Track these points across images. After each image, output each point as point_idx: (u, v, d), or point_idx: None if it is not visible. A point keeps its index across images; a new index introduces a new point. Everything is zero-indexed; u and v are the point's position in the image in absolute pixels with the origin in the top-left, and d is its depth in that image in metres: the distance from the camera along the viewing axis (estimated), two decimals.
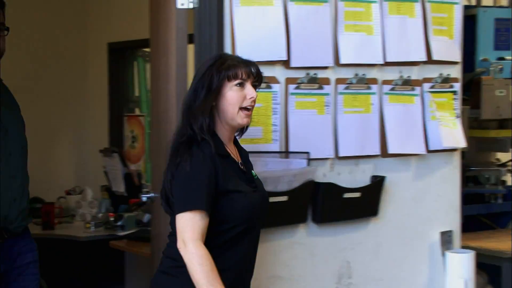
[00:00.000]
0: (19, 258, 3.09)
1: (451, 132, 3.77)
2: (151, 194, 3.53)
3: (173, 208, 2.69)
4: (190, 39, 3.35)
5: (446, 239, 3.83)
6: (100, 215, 5.24)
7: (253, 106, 2.72)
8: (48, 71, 6.32)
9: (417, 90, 3.69)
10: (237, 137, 2.90)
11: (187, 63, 3.40)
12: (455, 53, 3.79)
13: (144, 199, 3.73)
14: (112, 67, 6.47)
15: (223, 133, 2.74)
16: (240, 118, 2.69)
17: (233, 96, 2.66)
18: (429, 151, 3.72)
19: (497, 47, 4.57)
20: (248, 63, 2.71)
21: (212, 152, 2.64)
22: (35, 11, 6.31)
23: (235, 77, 2.65)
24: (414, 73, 3.69)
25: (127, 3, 5.49)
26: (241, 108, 2.68)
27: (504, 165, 4.92)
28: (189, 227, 2.57)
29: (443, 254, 3.79)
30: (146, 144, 5.58)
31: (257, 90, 2.73)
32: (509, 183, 4.92)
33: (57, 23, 6.46)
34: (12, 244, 3.04)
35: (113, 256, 4.93)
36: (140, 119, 5.63)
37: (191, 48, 3.37)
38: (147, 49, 4.62)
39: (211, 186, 2.60)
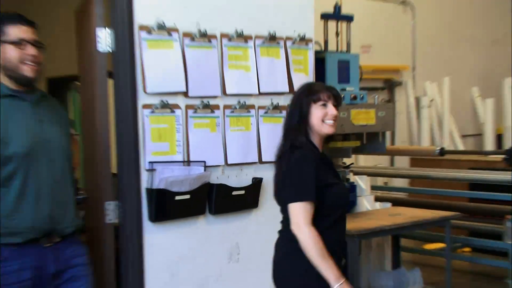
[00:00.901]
0: (72, 261, 2.81)
1: None
2: (84, 196, 3.45)
3: (284, 201, 2.77)
4: (110, 75, 3.30)
5: None
6: None
7: (334, 120, 2.73)
8: None
9: (284, 113, 3.73)
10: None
11: (108, 94, 3.33)
12: None
13: (79, 199, 3.66)
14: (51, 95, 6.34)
15: (316, 140, 2.77)
16: (325, 129, 2.72)
17: (318, 114, 2.69)
18: None
19: (340, 81, 4.70)
20: (329, 89, 2.78)
21: (312, 154, 2.71)
22: None
23: (318, 100, 2.69)
24: (281, 100, 3.74)
25: (61, 45, 5.33)
26: (324, 123, 2.71)
27: (348, 167, 5.05)
28: (302, 214, 2.62)
29: None
30: (80, 156, 5.47)
31: (338, 108, 2.78)
32: (351, 180, 5.05)
33: None
34: (65, 247, 2.77)
35: None
36: (75, 137, 5.57)
37: (110, 82, 3.31)
38: (78, 83, 4.51)
39: (315, 180, 2.63)
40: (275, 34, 3.72)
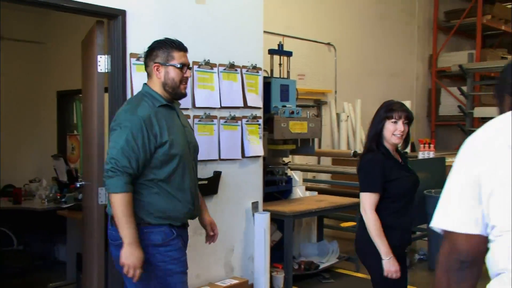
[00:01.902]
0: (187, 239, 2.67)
1: (257, 147, 3.78)
2: (83, 182, 3.32)
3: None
4: (106, 90, 3.19)
5: (254, 206, 3.81)
6: (51, 195, 4.93)
7: (402, 135, 2.67)
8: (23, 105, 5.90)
9: (239, 122, 3.67)
10: (400, 149, 2.83)
11: (104, 104, 3.21)
12: (259, 102, 3.80)
13: (78, 185, 3.55)
14: (60, 105, 6.21)
15: (389, 146, 2.70)
16: (394, 139, 2.66)
17: (389, 128, 2.65)
18: (244, 157, 3.70)
19: (281, 100, 4.66)
20: (404, 109, 2.69)
21: (381, 157, 2.68)
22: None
23: (391, 118, 2.65)
24: (237, 113, 3.67)
25: (69, 66, 5.21)
26: (393, 135, 2.65)
27: (286, 164, 5.00)
28: (368, 202, 2.64)
29: (253, 215, 3.78)
30: (81, 152, 5.37)
31: (409, 125, 2.71)
32: (289, 174, 5.00)
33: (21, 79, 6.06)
34: (187, 230, 2.64)
35: (59, 221, 4.68)
36: (77, 137, 5.52)
37: (106, 95, 3.19)
38: (81, 95, 4.37)
39: (381, 177, 2.64)
40: (234, 63, 3.64)
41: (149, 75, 2.46)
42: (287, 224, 4.40)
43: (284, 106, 4.69)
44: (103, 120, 3.19)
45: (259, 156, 3.83)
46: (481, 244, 1.38)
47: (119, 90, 3.10)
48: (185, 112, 3.35)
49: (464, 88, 9.39)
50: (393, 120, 2.65)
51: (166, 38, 2.48)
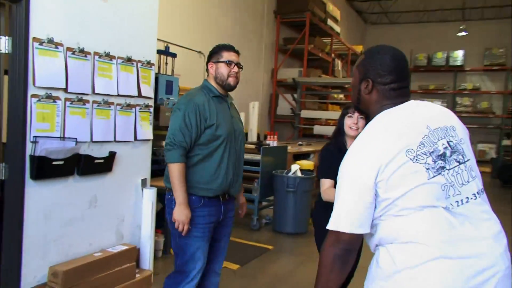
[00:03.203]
0: (228, 213, 2.48)
1: (147, 131, 3.36)
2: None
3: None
4: (6, 72, 2.53)
5: (143, 182, 3.40)
6: None
7: (357, 128, 2.41)
8: None
9: (133, 109, 3.21)
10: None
11: (2, 89, 2.57)
12: (151, 93, 3.38)
13: None
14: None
15: (349, 141, 2.46)
16: (350, 132, 2.44)
17: (347, 123, 2.45)
18: (136, 140, 3.27)
19: (166, 93, 4.29)
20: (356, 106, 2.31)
21: (335, 147, 2.47)
22: None
23: (347, 113, 2.46)
24: (132, 101, 3.20)
25: None
26: (350, 128, 2.44)
27: None
28: (323, 186, 2.43)
29: (142, 190, 3.37)
30: None
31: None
32: None
33: None
34: (227, 203, 2.44)
35: None
36: None
37: (6, 78, 2.54)
38: None
39: (332, 165, 2.21)
40: (131, 57, 3.17)
41: (208, 73, 2.44)
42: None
43: (168, 99, 4.33)
44: (1, 100, 2.54)
45: (148, 140, 3.41)
46: (362, 235, 1.30)
47: (20, 72, 2.46)
48: (85, 97, 2.85)
49: (295, 95, 9.82)
50: (349, 114, 2.46)
51: (220, 43, 2.45)
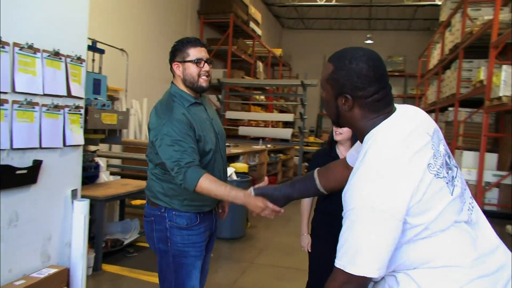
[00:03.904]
0: (215, 223, 2.19)
1: (78, 136, 2.91)
2: None
3: None
4: None
5: (74, 194, 2.94)
6: None
7: (341, 133, 2.30)
8: None
9: (62, 111, 2.74)
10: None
11: None
12: (82, 93, 2.93)
13: None
14: None
15: (341, 148, 2.33)
16: (337, 137, 2.31)
17: (334, 130, 2.33)
18: (65, 146, 2.80)
19: (94, 93, 3.81)
20: None
21: (323, 152, 2.41)
22: None
23: None
24: (60, 101, 2.73)
25: None
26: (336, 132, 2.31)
27: (95, 151, 4.14)
28: None
29: (72, 202, 2.90)
30: None
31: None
32: (96, 161, 4.13)
33: None
34: (216, 213, 2.18)
35: None
36: None
37: None
38: None
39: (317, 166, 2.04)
40: (59, 51, 2.70)
41: (174, 75, 2.04)
42: (100, 208, 3.59)
43: (96, 99, 3.84)
44: None
45: (79, 145, 2.95)
46: None
47: None
48: (3, 97, 2.34)
49: (219, 96, 9.59)
50: None
51: (183, 38, 2.06)
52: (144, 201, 5.58)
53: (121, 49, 6.92)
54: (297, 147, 9.00)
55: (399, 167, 1.05)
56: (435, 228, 1.05)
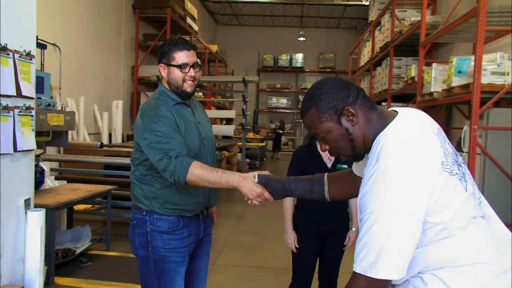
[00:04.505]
0: (207, 229, 2.08)
1: (29, 140, 2.63)
2: None
3: None
4: None
5: (27, 204, 2.65)
6: None
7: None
8: None
9: (11, 113, 2.45)
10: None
11: None
12: (32, 92, 2.66)
13: None
14: None
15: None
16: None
17: None
18: (16, 151, 2.51)
19: (37, 92, 3.45)
20: None
21: (304, 149, 2.30)
22: None
23: None
24: (10, 102, 2.44)
25: None
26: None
27: (39, 155, 3.77)
28: None
29: (26, 213, 2.62)
30: None
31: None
32: (40, 165, 3.79)
33: None
34: (205, 219, 2.06)
35: None
36: None
37: None
38: None
39: (297, 164, 2.28)
40: (6, 45, 2.40)
41: (161, 75, 1.97)
42: (50, 217, 3.29)
43: (40, 98, 3.52)
44: None
45: (31, 150, 2.67)
46: None
47: None
48: None
49: None
50: None
51: (170, 38, 2.01)
52: (90, 206, 5.22)
53: (53, 44, 6.39)
54: (240, 143, 8.99)
55: (414, 167, 1.05)
56: (454, 226, 1.07)
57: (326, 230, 2.31)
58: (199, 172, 1.68)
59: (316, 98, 1.17)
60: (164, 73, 1.93)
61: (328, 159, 2.29)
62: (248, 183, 1.62)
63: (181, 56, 1.88)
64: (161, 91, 1.96)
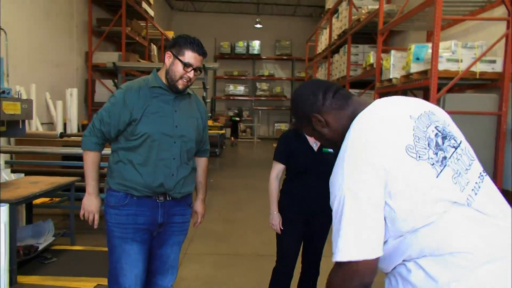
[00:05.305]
0: (174, 217, 2.03)
1: None
2: None
3: None
4: None
5: None
6: None
7: None
8: None
9: None
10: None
11: None
12: None
13: None
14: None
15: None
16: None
17: None
18: None
19: None
20: None
21: (292, 133, 2.31)
22: None
23: None
24: None
25: None
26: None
27: None
28: (273, 168, 2.34)
29: None
30: None
31: None
32: None
33: None
34: (172, 206, 2.00)
35: None
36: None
37: None
38: None
39: (286, 150, 2.28)
40: None
41: (164, 61, 1.99)
42: (11, 212, 3.04)
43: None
44: None
45: None
46: (377, 261, 1.09)
47: None
48: None
49: (116, 81, 8.90)
50: None
51: (188, 35, 1.98)
52: (48, 199, 4.93)
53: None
54: None
55: (367, 150, 1.09)
56: (429, 212, 1.06)
57: (311, 214, 2.31)
58: (89, 158, 2.00)
59: (293, 109, 1.35)
60: (168, 61, 1.97)
61: (314, 142, 2.29)
62: (91, 199, 2.02)
63: (190, 56, 1.94)
64: (153, 73, 2.03)
